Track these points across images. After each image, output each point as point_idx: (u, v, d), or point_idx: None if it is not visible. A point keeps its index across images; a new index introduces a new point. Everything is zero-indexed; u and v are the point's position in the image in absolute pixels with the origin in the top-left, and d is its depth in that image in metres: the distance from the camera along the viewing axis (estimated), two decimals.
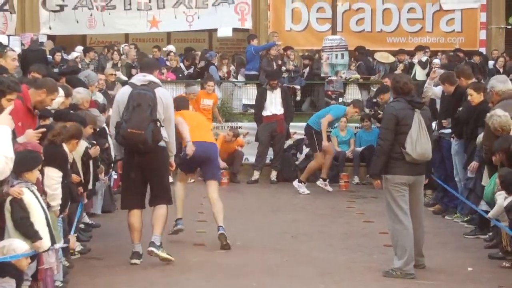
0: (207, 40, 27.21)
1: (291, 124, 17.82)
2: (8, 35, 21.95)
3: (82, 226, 10.99)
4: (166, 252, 9.70)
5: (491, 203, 9.81)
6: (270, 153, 17.62)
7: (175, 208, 10.75)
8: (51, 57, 19.99)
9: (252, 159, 17.79)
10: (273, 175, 17.42)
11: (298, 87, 20.64)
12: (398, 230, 9.13)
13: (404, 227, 9.08)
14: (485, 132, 10.24)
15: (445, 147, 12.87)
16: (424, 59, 21.09)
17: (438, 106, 13.54)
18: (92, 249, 10.26)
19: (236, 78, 21.29)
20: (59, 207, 8.08)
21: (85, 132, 10.17)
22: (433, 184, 12.36)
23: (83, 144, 9.79)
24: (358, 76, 21.06)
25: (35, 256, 7.10)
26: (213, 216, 10.82)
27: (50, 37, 22.83)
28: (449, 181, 12.73)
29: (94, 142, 10.65)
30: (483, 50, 23.70)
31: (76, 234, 9.59)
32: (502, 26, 24.78)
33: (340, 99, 19.86)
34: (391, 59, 22.17)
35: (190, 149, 10.41)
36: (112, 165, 12.07)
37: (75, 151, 9.35)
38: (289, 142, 18.07)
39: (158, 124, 9.43)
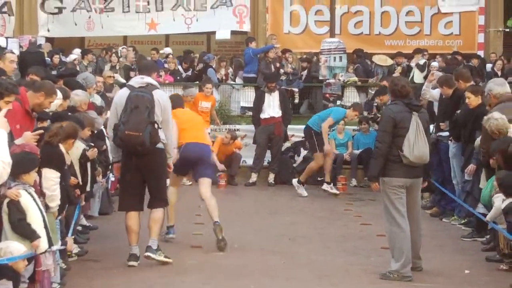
0: (206, 42, 27.23)
1: (289, 126, 17.81)
2: (7, 37, 22.00)
3: (79, 228, 10.98)
4: (163, 254, 9.74)
5: (489, 206, 9.82)
6: (268, 156, 17.62)
7: (167, 215, 10.61)
8: (49, 59, 20.01)
9: (250, 161, 17.78)
10: (271, 177, 17.42)
11: (296, 89, 20.68)
12: (395, 232, 9.13)
13: (402, 229, 9.08)
14: (482, 135, 10.25)
15: (442, 150, 12.88)
16: (422, 62, 21.13)
17: (435, 109, 13.56)
18: (89, 251, 10.24)
19: (234, 81, 21.30)
20: (57, 208, 8.09)
21: (83, 134, 10.21)
22: (430, 187, 12.37)
23: (80, 146, 9.80)
24: (356, 78, 21.09)
25: (32, 258, 7.10)
26: (208, 214, 10.81)
27: (48, 40, 22.87)
28: (446, 184, 12.74)
29: (92, 144, 10.66)
30: (481, 53, 23.74)
31: (73, 236, 9.58)
32: (500, 29, 24.82)
33: (338, 102, 19.87)
34: (389, 61, 22.20)
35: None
36: (110, 167, 12.07)
37: (73, 153, 9.37)
38: (287, 144, 18.07)
39: (156, 126, 9.44)
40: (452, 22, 24.38)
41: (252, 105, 18.60)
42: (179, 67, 21.91)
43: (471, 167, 11.37)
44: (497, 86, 10.95)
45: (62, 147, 8.41)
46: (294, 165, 17.78)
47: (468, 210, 11.67)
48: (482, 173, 10.56)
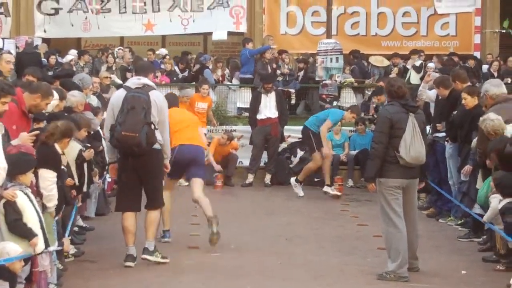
0: (202, 43, 27.25)
1: (286, 127, 17.83)
2: (3, 38, 21.97)
3: (76, 229, 10.98)
4: (160, 255, 9.78)
5: (485, 207, 9.83)
6: (265, 157, 17.63)
7: (162, 219, 10.62)
8: (45, 60, 19.99)
9: (246, 162, 17.79)
10: (267, 178, 17.42)
11: (292, 90, 20.68)
12: (392, 233, 9.14)
13: (398, 230, 9.09)
14: (478, 136, 10.26)
15: (439, 151, 12.90)
16: (418, 63, 21.15)
17: (432, 110, 13.57)
18: (86, 252, 10.24)
19: (231, 82, 21.30)
20: (55, 208, 8.09)
21: (79, 135, 10.21)
22: (427, 188, 12.37)
23: (77, 146, 9.80)
24: (352, 79, 21.09)
25: (29, 259, 7.10)
26: (203, 213, 10.86)
27: (44, 40, 22.85)
28: (443, 185, 12.76)
29: (89, 145, 10.66)
30: (477, 54, 23.76)
31: (70, 237, 9.56)
32: (497, 30, 24.83)
33: (335, 103, 19.87)
34: (386, 62, 22.22)
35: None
36: (106, 168, 12.07)
37: (69, 154, 9.36)
38: (283, 145, 18.07)
39: (153, 127, 9.44)
40: (449, 23, 24.39)
41: (248, 106, 18.61)
42: (176, 67, 21.91)
43: (468, 167, 11.39)
44: (493, 87, 10.95)
45: (57, 146, 8.40)
46: (291, 165, 17.77)
47: (465, 211, 11.68)
48: (479, 174, 10.57)
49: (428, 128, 11.70)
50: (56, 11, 23.06)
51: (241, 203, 15.28)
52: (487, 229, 10.38)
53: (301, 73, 21.42)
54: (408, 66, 21.62)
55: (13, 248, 6.78)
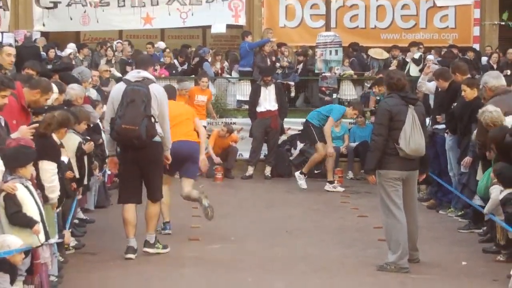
0: (201, 36, 27.22)
1: (285, 120, 17.83)
2: (2, 32, 21.93)
3: (76, 221, 11.00)
4: (161, 245, 9.88)
5: (485, 198, 9.83)
6: (264, 149, 17.63)
7: (161, 212, 10.64)
8: (44, 53, 19.97)
9: (246, 154, 17.80)
10: (267, 170, 17.42)
11: (292, 83, 20.66)
12: (392, 224, 9.15)
13: (398, 221, 9.10)
14: (478, 128, 10.26)
15: (439, 143, 12.90)
16: (417, 55, 21.12)
17: (431, 102, 13.56)
18: (86, 244, 10.25)
19: (230, 74, 21.28)
20: (57, 199, 8.09)
21: (79, 128, 10.22)
22: (427, 179, 12.38)
23: (76, 139, 9.81)
24: (352, 72, 21.08)
25: (29, 252, 7.10)
26: (196, 201, 11.03)
27: (43, 34, 22.82)
28: (442, 176, 12.76)
29: (88, 138, 10.67)
30: (476, 46, 23.73)
31: (70, 230, 9.58)
32: (496, 22, 24.80)
33: (334, 95, 19.88)
34: (385, 55, 22.20)
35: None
36: (106, 160, 12.08)
37: (69, 147, 9.36)
38: (283, 137, 18.07)
39: (153, 119, 9.44)
40: (448, 16, 24.33)
41: (248, 99, 18.60)
42: (175, 61, 21.90)
43: (467, 159, 11.39)
44: (492, 79, 10.95)
45: (55, 137, 8.38)
46: (291, 158, 17.78)
47: (465, 202, 11.69)
48: (479, 166, 10.57)
49: (427, 120, 11.70)
50: (55, 4, 23.00)
51: (241, 195, 15.28)
52: (487, 220, 10.39)
53: (301, 66, 21.40)
54: (407, 59, 21.60)
55: (14, 241, 6.77)
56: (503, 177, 9.06)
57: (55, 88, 9.56)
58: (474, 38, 24.38)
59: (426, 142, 9.27)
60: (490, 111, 9.78)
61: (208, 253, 10.04)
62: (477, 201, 10.75)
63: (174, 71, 21.07)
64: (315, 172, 16.40)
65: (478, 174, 10.56)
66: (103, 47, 21.54)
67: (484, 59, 22.03)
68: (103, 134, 11.91)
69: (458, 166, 11.99)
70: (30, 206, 7.13)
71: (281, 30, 23.85)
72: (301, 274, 9.08)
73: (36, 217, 7.15)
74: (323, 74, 20.09)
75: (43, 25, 23.02)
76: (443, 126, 12.69)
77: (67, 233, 8.87)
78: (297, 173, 15.78)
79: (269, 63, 20.05)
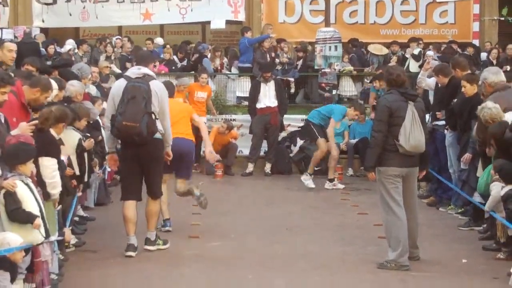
0: (201, 32, 27.17)
1: (285, 116, 17.83)
2: (1, 28, 21.88)
3: (76, 219, 10.99)
4: (161, 242, 9.97)
5: (485, 195, 9.83)
6: (264, 146, 17.63)
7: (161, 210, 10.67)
8: (44, 49, 19.94)
9: (246, 151, 17.79)
10: (267, 167, 17.42)
11: (291, 79, 20.63)
12: (391, 221, 9.14)
13: (398, 218, 9.09)
14: (477, 124, 10.25)
15: (438, 139, 12.89)
16: (416, 51, 21.09)
17: (431, 98, 13.55)
18: (86, 242, 10.25)
19: (230, 71, 21.26)
20: (59, 195, 8.09)
21: (79, 125, 10.21)
22: (427, 176, 12.36)
23: (76, 136, 9.81)
24: (351, 68, 21.05)
25: (29, 249, 7.10)
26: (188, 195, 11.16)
27: (42, 30, 22.78)
28: (442, 173, 12.75)
29: (88, 134, 10.66)
30: (476, 42, 23.69)
31: (71, 227, 9.58)
32: (495, 18, 24.77)
33: (334, 91, 19.85)
34: (385, 51, 22.15)
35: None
36: (106, 157, 12.08)
37: (69, 143, 9.35)
38: (283, 134, 18.07)
39: (153, 116, 9.44)
40: (447, 11, 24.29)
41: (247, 95, 18.58)
42: (174, 57, 21.88)
43: (467, 156, 11.38)
44: (491, 74, 10.94)
45: (54, 132, 8.35)
46: (291, 154, 17.78)
47: (465, 199, 11.69)
48: (479, 163, 10.56)
49: (427, 116, 11.69)
50: (54, 0, 22.96)
51: (241, 192, 15.27)
52: (488, 218, 10.38)
53: (300, 62, 21.37)
54: (407, 55, 21.57)
55: (14, 239, 6.78)
56: (504, 173, 9.06)
57: (54, 85, 9.56)
58: (474, 33, 24.35)
59: (426, 138, 9.25)
60: (489, 107, 9.77)
61: (208, 251, 10.04)
62: (476, 198, 10.75)
63: (173, 67, 21.05)
64: (315, 169, 16.34)
65: (478, 171, 10.56)
66: (103, 43, 21.51)
67: (483, 55, 22.01)
68: (102, 131, 11.92)
69: (458, 162, 11.98)
70: (30, 203, 7.14)
71: (280, 26, 23.82)
72: (301, 271, 9.08)
73: (37, 214, 7.15)
74: (322, 70, 20.06)
75: (43, 21, 22.98)
76: (443, 122, 12.68)
77: (67, 230, 8.87)
78: (302, 177, 15.47)
79: (268, 59, 20.01)
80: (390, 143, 9.04)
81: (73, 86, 11.16)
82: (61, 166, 8.42)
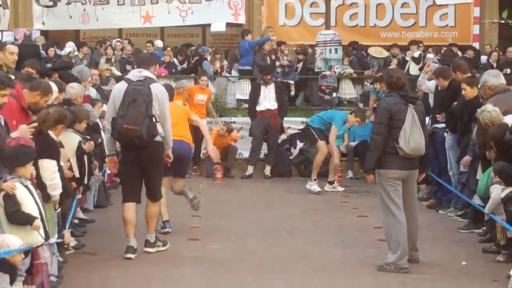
0: (201, 35, 27.18)
1: (285, 119, 17.84)
2: (1, 30, 21.91)
3: (76, 221, 10.99)
4: (161, 243, 10.00)
5: (485, 198, 9.82)
6: (264, 148, 17.63)
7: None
8: (44, 52, 19.95)
9: (246, 154, 17.80)
10: (267, 170, 17.42)
11: (292, 82, 20.63)
12: (391, 224, 9.14)
13: (398, 221, 9.09)
14: (477, 127, 10.25)
15: (438, 142, 12.89)
16: (416, 54, 21.09)
17: (431, 100, 13.55)
18: (86, 244, 10.26)
19: (230, 73, 21.27)
20: (59, 196, 8.09)
21: (79, 127, 10.21)
22: (427, 179, 12.36)
23: (76, 138, 9.80)
24: (351, 70, 21.06)
25: (29, 252, 7.09)
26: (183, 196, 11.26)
27: (42, 32, 22.78)
28: (442, 176, 12.76)
29: (88, 137, 10.66)
30: (476, 44, 23.69)
31: (70, 229, 9.58)
32: (496, 21, 24.77)
33: (334, 94, 19.85)
34: (385, 53, 22.17)
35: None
36: (105, 160, 12.09)
37: (69, 146, 9.35)
38: (283, 137, 18.07)
39: (154, 119, 9.44)
40: (448, 14, 24.29)
41: (248, 98, 18.59)
42: (175, 59, 21.89)
43: (467, 158, 11.39)
44: (491, 77, 10.93)
45: (53, 134, 8.34)
46: (291, 157, 17.79)
47: (465, 202, 11.69)
48: (479, 165, 10.56)
49: (427, 119, 11.69)
50: (54, 3, 22.97)
51: (241, 195, 15.26)
52: (487, 220, 10.38)
53: (300, 65, 21.37)
54: (407, 58, 21.58)
55: (13, 241, 6.77)
56: (505, 175, 9.06)
57: (55, 88, 9.56)
58: (474, 36, 24.35)
59: (426, 141, 9.25)
60: (488, 110, 9.76)
61: (208, 253, 10.04)
62: (476, 200, 10.75)
63: (173, 70, 21.06)
64: None
65: (478, 174, 10.55)
66: (103, 46, 21.52)
67: (483, 58, 22.01)
68: (102, 133, 11.92)
69: (457, 165, 11.98)
70: (29, 206, 7.13)
71: (280, 28, 23.81)
72: (301, 274, 9.07)
73: (36, 216, 7.14)
74: (322, 73, 20.05)
75: (43, 23, 22.99)
76: (443, 125, 12.68)
77: (67, 233, 8.88)
78: (307, 185, 15.33)
79: (269, 61, 20.02)
80: (390, 146, 9.04)
81: (73, 89, 11.16)
82: (60, 170, 8.42)
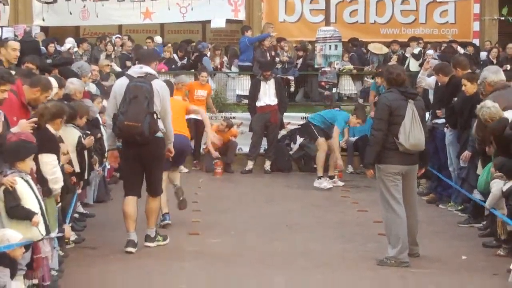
0: (201, 31, 27.19)
1: (285, 114, 17.84)
2: (1, 27, 21.88)
3: (76, 215, 11.00)
4: (161, 238, 10.02)
5: (485, 193, 9.82)
6: (264, 143, 17.64)
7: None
8: (44, 48, 19.94)
9: (246, 149, 17.81)
10: (267, 165, 17.43)
11: (291, 78, 20.65)
12: (391, 219, 9.15)
13: (398, 216, 9.10)
14: (477, 123, 10.25)
15: (438, 137, 12.90)
16: (416, 50, 21.10)
17: (430, 96, 13.55)
18: (86, 239, 10.25)
19: (230, 69, 21.28)
20: (60, 190, 8.10)
21: (79, 123, 10.21)
22: (427, 174, 12.35)
23: (76, 133, 9.81)
24: (351, 67, 21.07)
25: (29, 246, 7.10)
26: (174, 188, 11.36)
27: (42, 29, 22.78)
28: (442, 171, 12.76)
29: (88, 132, 10.67)
30: (476, 41, 23.71)
31: (70, 224, 9.59)
32: (496, 17, 24.78)
33: (334, 90, 19.86)
34: (385, 50, 22.17)
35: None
36: (105, 155, 12.10)
37: (69, 141, 9.35)
38: (283, 132, 18.07)
39: (155, 116, 9.45)
40: (448, 11, 24.30)
41: (247, 94, 18.60)
42: (175, 55, 21.89)
43: (466, 153, 11.41)
44: (491, 73, 10.93)
45: (51, 129, 8.34)
46: (290, 152, 17.79)
47: (465, 197, 11.69)
48: (479, 161, 10.57)
49: (427, 114, 11.69)
50: None
51: (241, 190, 15.26)
52: (487, 215, 10.39)
53: (300, 61, 21.38)
54: (407, 54, 21.59)
55: (13, 235, 6.78)
56: (506, 169, 9.07)
57: (54, 84, 9.56)
58: (474, 33, 24.36)
59: (426, 137, 9.26)
60: (488, 106, 9.77)
61: (208, 248, 10.04)
62: (476, 195, 10.76)
63: (173, 66, 21.07)
64: (314, 167, 16.31)
65: (478, 169, 10.56)
66: (103, 42, 21.52)
67: (483, 54, 22.03)
68: (102, 129, 11.94)
69: (457, 160, 11.99)
70: (29, 200, 7.14)
71: (280, 25, 23.81)
72: (301, 269, 9.08)
73: (37, 211, 7.15)
74: (322, 69, 20.06)
75: (43, 19, 22.97)
76: (443, 120, 12.69)
77: (67, 227, 8.89)
78: (314, 183, 15.25)
79: (268, 57, 20.03)
80: (390, 141, 9.05)
81: (72, 84, 11.17)
82: (59, 156, 8.42)
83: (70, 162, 9.39)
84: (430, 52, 19.56)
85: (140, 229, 9.82)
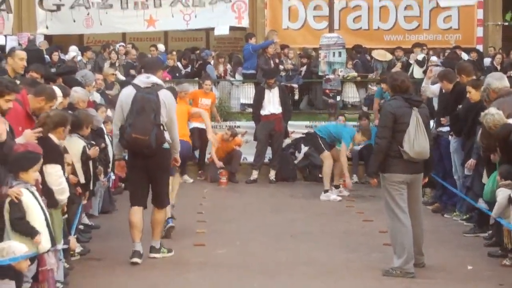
0: (205, 38, 27.23)
1: (290, 123, 17.80)
2: (5, 35, 21.92)
3: (81, 227, 10.99)
4: (166, 250, 10.00)
5: (491, 202, 9.79)
6: (269, 152, 17.60)
7: None
8: (48, 57, 19.96)
9: (250, 158, 17.76)
10: (272, 174, 17.39)
11: (296, 85, 20.63)
12: (397, 228, 9.12)
13: (403, 225, 9.08)
14: (481, 130, 10.22)
15: (443, 145, 12.87)
16: (420, 57, 21.08)
17: (435, 104, 13.53)
18: (91, 250, 10.25)
19: (233, 77, 21.27)
20: (66, 200, 8.10)
21: (83, 132, 10.20)
22: (432, 182, 12.34)
23: (80, 143, 9.81)
24: (355, 74, 21.06)
25: (35, 258, 7.09)
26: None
27: (46, 37, 22.81)
28: (447, 179, 12.73)
29: (93, 142, 10.65)
30: (480, 47, 23.69)
31: (76, 235, 9.58)
32: (499, 23, 24.79)
33: (338, 97, 19.83)
34: (389, 56, 22.17)
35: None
36: (110, 165, 12.11)
37: (73, 151, 9.35)
38: (287, 141, 18.03)
39: (162, 128, 9.46)
40: (451, 17, 24.30)
41: (252, 102, 18.58)
42: (178, 63, 21.89)
43: (471, 161, 11.37)
44: (495, 80, 10.88)
45: (55, 139, 8.32)
46: (295, 161, 17.75)
47: (470, 205, 11.66)
48: (484, 169, 10.54)
49: (431, 122, 11.67)
50: (58, 7, 22.97)
51: (246, 199, 15.23)
52: (493, 224, 10.36)
53: (304, 68, 21.37)
54: (411, 61, 21.58)
55: (19, 247, 6.77)
56: None
57: (59, 93, 9.56)
58: (478, 39, 24.35)
59: (430, 144, 9.24)
60: (492, 113, 9.73)
61: (213, 258, 10.04)
62: (481, 204, 10.72)
63: (177, 74, 21.06)
64: (320, 176, 16.29)
65: (483, 178, 10.52)
66: (107, 50, 21.54)
67: (487, 60, 22.00)
68: (106, 138, 11.93)
69: (462, 168, 11.95)
70: (35, 212, 7.13)
71: (284, 32, 23.83)
72: (306, 279, 9.07)
73: (42, 223, 7.15)
74: (326, 76, 20.04)
75: (47, 27, 22.99)
76: (448, 128, 12.66)
77: (72, 239, 8.88)
78: (321, 196, 15.14)
79: (272, 65, 20.00)
80: (394, 150, 9.02)
81: (76, 93, 11.17)
82: (63, 165, 8.41)
83: (74, 173, 9.38)
84: (433, 59, 19.56)
85: (145, 240, 9.81)
